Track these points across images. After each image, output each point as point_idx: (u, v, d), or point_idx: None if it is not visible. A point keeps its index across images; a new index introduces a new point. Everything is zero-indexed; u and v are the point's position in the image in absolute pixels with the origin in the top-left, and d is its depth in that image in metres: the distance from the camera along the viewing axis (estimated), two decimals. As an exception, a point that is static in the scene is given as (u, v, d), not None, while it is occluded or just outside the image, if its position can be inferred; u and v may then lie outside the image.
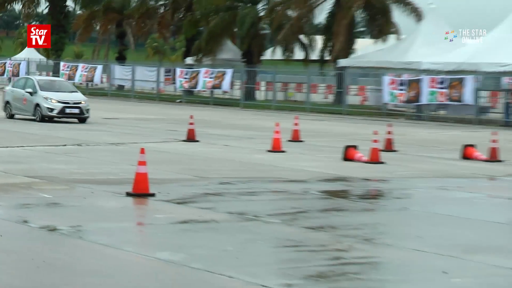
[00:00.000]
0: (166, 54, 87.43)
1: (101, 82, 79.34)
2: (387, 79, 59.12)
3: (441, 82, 56.20)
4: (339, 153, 30.59)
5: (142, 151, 21.09)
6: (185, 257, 14.56)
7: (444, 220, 19.88)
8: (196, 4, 77.05)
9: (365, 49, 71.25)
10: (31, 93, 43.30)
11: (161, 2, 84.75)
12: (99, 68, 78.48)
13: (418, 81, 57.18)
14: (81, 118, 43.28)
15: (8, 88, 47.51)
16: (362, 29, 73.20)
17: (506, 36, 57.14)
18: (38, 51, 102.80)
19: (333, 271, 14.18)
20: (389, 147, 33.80)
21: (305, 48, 74.84)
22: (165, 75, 74.17)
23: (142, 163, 20.74)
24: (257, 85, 75.56)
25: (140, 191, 20.70)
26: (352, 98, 68.99)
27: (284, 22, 70.58)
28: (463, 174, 27.93)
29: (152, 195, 20.74)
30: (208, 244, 15.98)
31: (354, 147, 30.67)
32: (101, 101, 65.94)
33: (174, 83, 73.00)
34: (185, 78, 70.24)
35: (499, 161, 31.32)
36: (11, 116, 45.04)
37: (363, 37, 75.18)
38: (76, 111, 43.13)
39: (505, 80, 60.53)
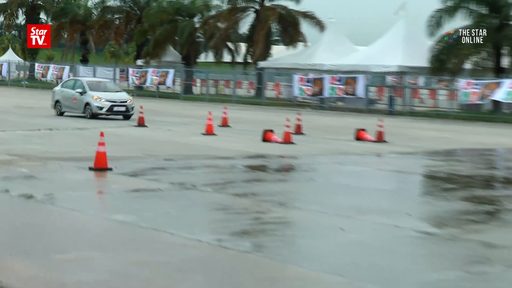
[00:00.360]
0: (120, 57, 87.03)
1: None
2: (296, 77, 59.37)
3: (339, 80, 56.62)
4: (259, 136, 30.61)
5: (102, 134, 21.16)
6: (136, 218, 14.53)
7: (342, 189, 20.00)
8: (145, 18, 77.65)
9: (279, 53, 71.43)
10: (81, 93, 39.72)
11: (116, 16, 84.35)
12: (67, 68, 78.39)
13: (321, 79, 57.53)
14: (127, 115, 39.62)
15: (58, 88, 43.04)
16: (277, 38, 73.20)
17: (389, 44, 57.87)
18: (17, 54, 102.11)
19: (254, 228, 14.23)
20: (298, 131, 33.92)
21: (232, 52, 75.19)
22: (120, 74, 74.19)
23: (101, 144, 20.81)
24: (194, 82, 75.72)
25: (100, 166, 20.68)
26: (269, 92, 69.10)
27: (215, 32, 70.81)
28: (356, 152, 28.06)
29: (110, 169, 20.71)
30: (155, 208, 15.96)
31: (271, 131, 30.71)
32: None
33: (127, 80, 72.92)
34: (136, 76, 70.37)
35: (384, 141, 31.51)
36: (61, 114, 41.13)
37: (278, 44, 75.16)
38: (123, 109, 39.59)
39: (389, 78, 61.02)
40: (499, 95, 49.00)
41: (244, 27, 71.92)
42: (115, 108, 39.28)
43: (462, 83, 51.83)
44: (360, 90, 55.74)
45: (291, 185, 21.03)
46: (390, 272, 11.41)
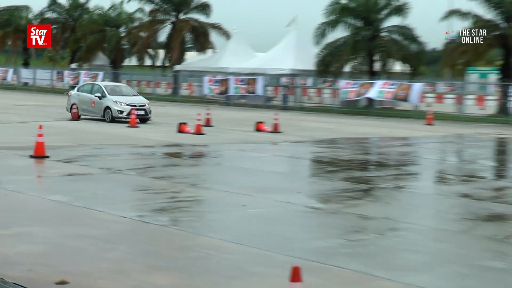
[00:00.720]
0: (57, 61, 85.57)
1: (12, 80, 77.78)
2: (206, 78, 59.22)
3: (242, 81, 56.76)
4: (174, 128, 30.47)
5: (40, 127, 20.85)
6: (71, 198, 14.37)
7: (244, 171, 20.03)
8: (78, 28, 76.74)
9: (192, 58, 71.16)
10: (100, 97, 34.82)
11: (54, 26, 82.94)
12: (11, 70, 77.20)
13: (227, 80, 57.48)
14: (145, 118, 34.78)
15: (74, 92, 37.72)
16: (190, 45, 72.84)
17: (283, 51, 58.18)
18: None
19: (171, 206, 14.15)
20: (208, 123, 33.85)
21: (152, 57, 74.79)
22: (57, 76, 72.99)
23: (40, 135, 20.57)
24: (120, 82, 74.94)
25: (39, 154, 20.40)
26: (184, 91, 68.78)
27: (137, 40, 70.21)
28: (256, 141, 28.11)
29: (48, 157, 20.40)
30: (86, 189, 15.78)
31: (185, 123, 30.60)
32: (12, 93, 64.20)
33: (63, 81, 71.86)
34: (71, 77, 69.23)
35: (279, 132, 31.66)
36: (77, 117, 35.88)
37: (191, 51, 74.84)
38: (142, 112, 34.45)
39: (283, 79, 61.29)
40: (372, 93, 49.95)
41: (162, 36, 71.48)
42: (135, 112, 33.95)
43: (342, 83, 52.56)
44: (259, 89, 56.10)
45: (202, 169, 21.00)
46: (283, 240, 11.48)
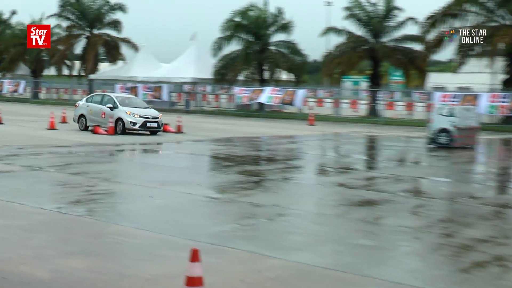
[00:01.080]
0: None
1: None
2: (117, 86, 58.55)
3: (149, 88, 56.60)
4: (90, 130, 30.08)
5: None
6: (-5, 193, 13.94)
7: (151, 167, 19.87)
8: (1, 41, 74.76)
9: (105, 68, 70.45)
10: (111, 108, 30.18)
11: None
12: None
13: (136, 87, 57.00)
14: (156, 131, 30.64)
15: (81, 102, 32.59)
16: (103, 57, 71.82)
17: (185, 62, 58.12)
18: None
19: (86, 198, 13.90)
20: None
21: (69, 68, 73.66)
22: (-17, 84, 71.03)
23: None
24: (40, 89, 73.19)
25: (-33, 154, 19.72)
26: (98, 97, 67.77)
27: (56, 53, 68.81)
28: (161, 140, 27.95)
29: (-26, 156, 19.75)
30: (9, 185, 15.34)
31: (99, 126, 30.26)
32: None
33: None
34: (-5, 86, 67.67)
35: (182, 132, 31.57)
36: (85, 128, 31.35)
37: (104, 62, 73.82)
38: (155, 125, 30.30)
39: (185, 86, 60.97)
40: (262, 98, 50.44)
41: (78, 48, 70.40)
42: (148, 124, 30.09)
43: (237, 89, 52.87)
44: (164, 95, 56.00)
45: (114, 165, 20.68)
46: (185, 227, 11.44)
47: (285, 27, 58.28)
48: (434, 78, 69.57)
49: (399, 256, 10.09)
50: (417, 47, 53.39)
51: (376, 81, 55.52)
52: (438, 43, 47.71)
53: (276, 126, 39.02)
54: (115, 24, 67.82)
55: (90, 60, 66.35)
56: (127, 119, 29.78)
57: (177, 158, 23.34)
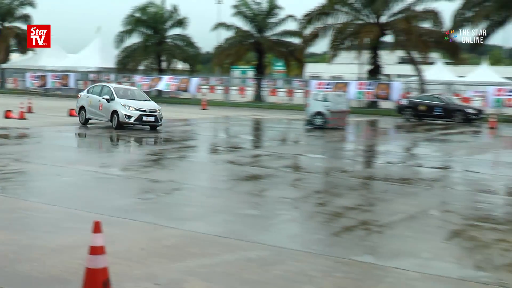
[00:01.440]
0: None
1: None
2: (28, 74, 57.01)
3: (57, 76, 55.37)
4: (1, 114, 28.89)
5: None
6: None
7: (59, 148, 19.24)
8: None
9: (17, 58, 67.89)
10: (108, 100, 25.50)
11: None
12: None
13: (45, 76, 55.67)
14: (154, 125, 25.62)
15: (83, 94, 27.80)
16: (15, 48, 69.07)
17: (91, 52, 57.24)
18: None
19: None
20: (30, 110, 32.25)
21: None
22: None
23: None
24: None
25: None
26: (10, 84, 64.89)
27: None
28: (69, 123, 27.18)
29: None
30: None
31: (10, 110, 29.09)
32: None
33: None
34: None
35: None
36: (85, 121, 26.83)
37: (15, 52, 71.02)
38: (152, 119, 25.28)
39: (90, 75, 59.47)
40: (161, 86, 50.19)
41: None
42: (144, 118, 25.16)
43: (137, 78, 52.20)
44: (71, 83, 54.89)
45: (24, 146, 19.90)
46: (90, 201, 11.18)
47: (181, 22, 58.12)
48: (311, 68, 70.81)
49: (281, 223, 10.20)
50: (296, 41, 54.30)
51: (261, 71, 56.14)
52: (313, 38, 48.60)
53: (173, 110, 38.64)
54: (25, 18, 65.41)
55: (1, 51, 63.90)
56: (122, 112, 24.97)
57: (84, 139, 22.76)
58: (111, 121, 25.42)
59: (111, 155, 18.75)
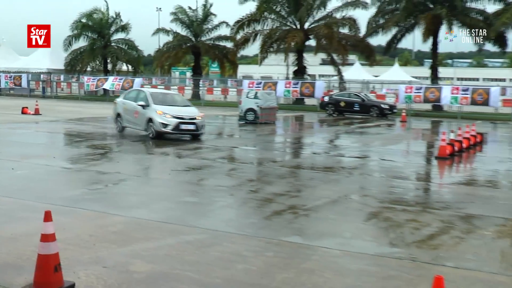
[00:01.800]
0: None
1: None
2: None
3: (10, 77, 53.61)
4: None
5: None
6: None
7: (13, 143, 18.64)
8: None
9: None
10: (143, 106, 20.60)
11: None
12: None
13: (-2, 77, 53.91)
14: (195, 134, 20.70)
15: (119, 100, 22.88)
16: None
17: (42, 55, 55.93)
18: None
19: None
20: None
21: None
22: None
23: None
24: None
25: None
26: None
27: None
28: (22, 121, 26.39)
29: None
30: None
31: (27, 107, 28.13)
32: None
33: None
34: None
35: (40, 114, 29.95)
36: (122, 129, 22.40)
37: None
38: (192, 127, 20.36)
39: (42, 76, 57.77)
40: (107, 85, 49.41)
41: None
42: (183, 126, 20.24)
43: (85, 78, 51.17)
44: (24, 83, 53.34)
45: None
46: (43, 193, 10.89)
47: (124, 28, 57.39)
48: (243, 69, 70.97)
49: (217, 209, 10.17)
50: (229, 44, 54.30)
51: (198, 71, 55.96)
52: (244, 42, 48.68)
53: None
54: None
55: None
56: (157, 120, 20.16)
57: (36, 135, 22.08)
58: (146, 130, 20.76)
59: (62, 149, 18.25)
